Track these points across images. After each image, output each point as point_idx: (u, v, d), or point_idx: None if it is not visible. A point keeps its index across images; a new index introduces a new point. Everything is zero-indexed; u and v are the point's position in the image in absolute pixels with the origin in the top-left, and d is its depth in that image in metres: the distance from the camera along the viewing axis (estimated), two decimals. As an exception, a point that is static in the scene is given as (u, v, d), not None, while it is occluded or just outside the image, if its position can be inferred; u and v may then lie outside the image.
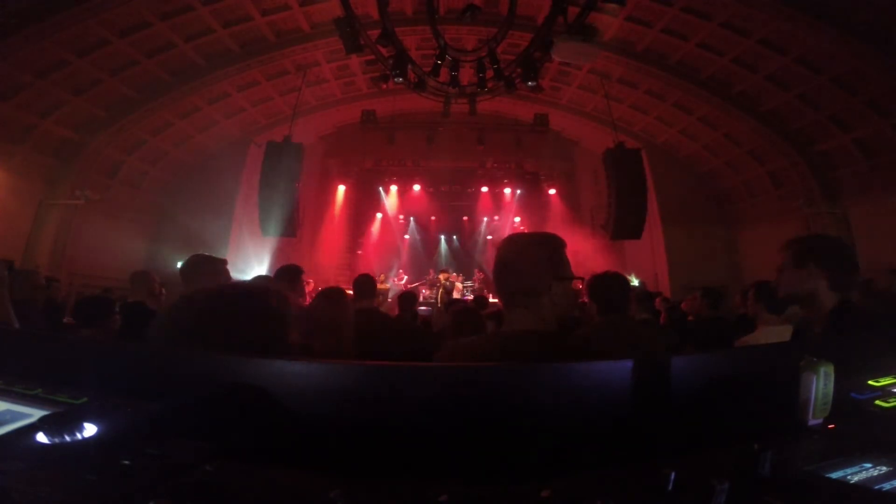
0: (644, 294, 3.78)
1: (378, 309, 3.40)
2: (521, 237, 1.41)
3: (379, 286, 5.83)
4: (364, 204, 14.75)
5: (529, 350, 1.17)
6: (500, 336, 1.32)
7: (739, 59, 8.57)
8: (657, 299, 5.87)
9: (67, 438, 0.65)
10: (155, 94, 9.25)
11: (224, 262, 2.44)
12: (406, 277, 13.01)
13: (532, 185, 14.57)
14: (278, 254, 10.62)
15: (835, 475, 0.66)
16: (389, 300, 10.64)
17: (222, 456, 0.64)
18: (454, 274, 13.00)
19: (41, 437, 0.66)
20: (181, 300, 1.15)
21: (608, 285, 2.34)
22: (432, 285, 12.47)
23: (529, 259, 1.27)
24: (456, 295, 11.32)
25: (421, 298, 11.89)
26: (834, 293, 1.55)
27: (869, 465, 0.68)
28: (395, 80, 7.32)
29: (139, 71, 8.62)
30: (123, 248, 9.89)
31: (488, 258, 14.98)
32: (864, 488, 0.63)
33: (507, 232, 14.88)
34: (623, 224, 8.57)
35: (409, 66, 7.40)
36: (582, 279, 1.58)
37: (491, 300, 10.51)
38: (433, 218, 15.27)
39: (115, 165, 10.02)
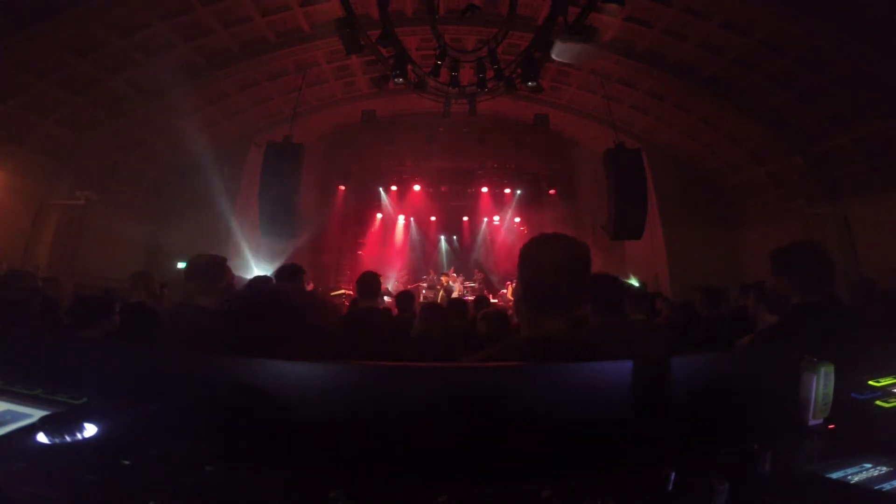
0: (641, 294, 3.77)
1: (379, 309, 3.40)
2: (556, 239, 1.26)
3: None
4: (364, 204, 14.75)
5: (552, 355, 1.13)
6: (526, 342, 1.23)
7: (739, 59, 8.56)
8: (658, 300, 5.86)
9: (67, 438, 0.66)
10: (155, 94, 9.24)
11: (224, 260, 2.46)
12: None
13: (532, 185, 14.56)
14: (278, 254, 10.62)
15: (835, 475, 0.66)
16: (388, 300, 10.63)
17: (222, 456, 0.64)
18: (455, 275, 13.00)
19: (41, 437, 0.66)
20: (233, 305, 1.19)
21: (604, 287, 2.31)
22: (432, 285, 12.46)
23: (579, 266, 1.20)
24: (456, 295, 11.33)
25: (421, 298, 11.91)
26: (802, 294, 1.81)
27: (869, 465, 0.68)
28: (395, 80, 7.31)
29: (139, 71, 8.61)
30: (123, 249, 9.90)
31: (488, 258, 14.99)
32: (864, 488, 0.63)
33: (507, 232, 14.91)
34: (623, 224, 8.55)
35: (410, 67, 7.40)
36: None
37: (491, 300, 10.53)
38: (433, 218, 15.26)
39: (115, 165, 10.01)
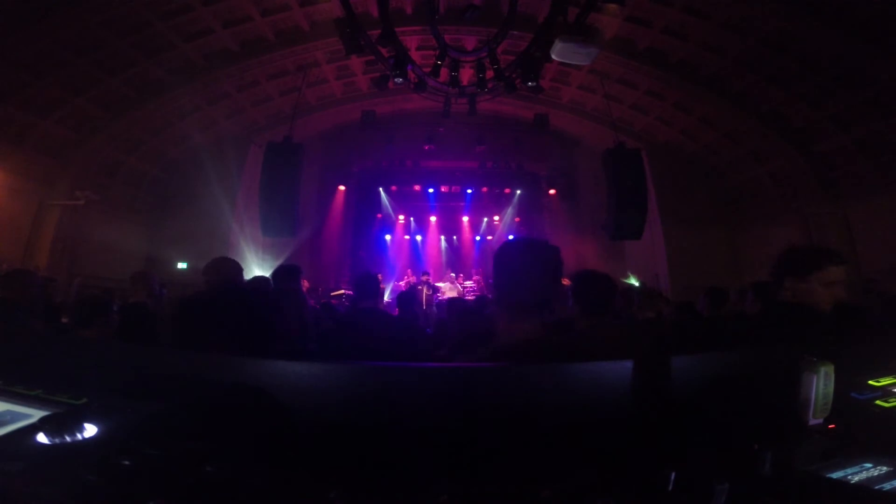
0: (648, 293, 3.77)
1: (379, 309, 3.40)
2: (522, 244, 1.32)
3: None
4: (364, 204, 14.75)
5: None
6: (504, 348, 1.24)
7: (739, 59, 8.56)
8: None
9: (67, 438, 0.66)
10: (155, 94, 9.24)
11: (241, 268, 2.80)
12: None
13: (532, 185, 14.55)
14: (278, 254, 10.62)
15: (835, 475, 0.66)
16: (387, 300, 10.67)
17: (222, 456, 0.64)
18: (452, 275, 13.00)
19: (41, 438, 0.66)
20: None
21: (593, 286, 2.21)
22: (428, 286, 12.48)
23: (550, 268, 1.24)
24: (453, 294, 11.35)
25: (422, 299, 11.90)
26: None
27: (869, 465, 0.68)
28: (396, 80, 7.31)
29: (139, 71, 8.61)
30: (123, 249, 9.89)
31: (488, 259, 14.99)
32: (864, 488, 0.63)
33: (507, 232, 14.90)
34: (623, 224, 8.54)
35: (409, 67, 7.39)
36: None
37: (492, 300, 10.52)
38: (433, 218, 15.27)
39: (115, 165, 10.01)
